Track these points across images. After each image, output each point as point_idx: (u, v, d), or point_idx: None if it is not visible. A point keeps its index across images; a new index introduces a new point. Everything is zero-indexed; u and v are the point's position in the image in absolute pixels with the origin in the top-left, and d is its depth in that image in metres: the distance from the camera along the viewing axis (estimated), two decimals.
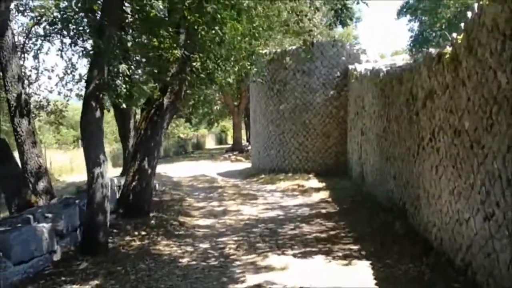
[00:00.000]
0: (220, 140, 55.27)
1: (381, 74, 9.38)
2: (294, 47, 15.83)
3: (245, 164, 23.40)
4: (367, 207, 9.08)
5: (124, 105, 6.86)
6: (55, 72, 9.55)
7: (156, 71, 8.00)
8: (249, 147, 33.91)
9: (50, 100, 14.52)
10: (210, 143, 50.48)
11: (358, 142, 12.18)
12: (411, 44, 35.20)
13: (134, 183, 8.49)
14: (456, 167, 5.07)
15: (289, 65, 15.53)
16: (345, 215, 8.74)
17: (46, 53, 8.63)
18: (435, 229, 5.82)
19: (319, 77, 15.16)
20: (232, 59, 11.63)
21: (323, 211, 9.43)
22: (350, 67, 14.49)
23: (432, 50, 6.13)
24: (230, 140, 55.13)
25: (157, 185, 12.77)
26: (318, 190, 11.90)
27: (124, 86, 6.68)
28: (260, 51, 12.43)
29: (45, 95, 14.78)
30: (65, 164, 21.40)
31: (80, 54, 7.55)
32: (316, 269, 5.70)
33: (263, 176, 15.78)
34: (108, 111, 6.90)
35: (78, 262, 6.16)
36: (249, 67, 11.91)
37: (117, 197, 8.78)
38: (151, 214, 8.81)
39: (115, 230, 7.83)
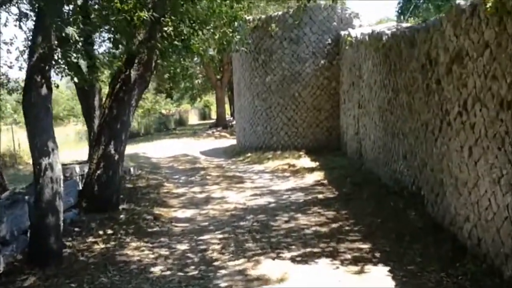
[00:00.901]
0: (204, 116, 53.85)
1: (384, 37, 8.11)
2: (280, 13, 14.40)
3: (230, 141, 22.16)
4: (370, 190, 7.94)
5: (75, 80, 5.50)
6: (15, 45, 7.98)
7: (118, 37, 6.64)
8: (234, 123, 32.68)
9: (10, 77, 12.95)
10: (193, 118, 49.01)
11: (355, 115, 10.98)
12: (399, 11, 33.94)
13: (98, 172, 7.18)
14: (504, 149, 3.89)
15: (275, 32, 14.12)
16: (346, 202, 7.59)
17: (5, 25, 7.26)
18: (469, 225, 4.67)
19: (309, 45, 13.82)
20: (211, 25, 10.26)
21: (320, 196, 8.27)
22: (343, 33, 13.16)
23: (461, 2, 4.86)
24: (214, 115, 53.70)
25: (131, 169, 11.49)
26: (311, 170, 10.72)
27: (74, 55, 5.30)
28: (244, 16, 11.01)
29: (5, 71, 13.22)
30: None
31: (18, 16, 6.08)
32: (322, 281, 4.53)
33: (249, 154, 14.55)
34: (57, 87, 5.56)
35: (24, 276, 4.91)
36: (231, 35, 10.51)
37: (80, 188, 7.48)
38: (120, 207, 7.56)
39: (76, 229, 6.57)
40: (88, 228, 6.57)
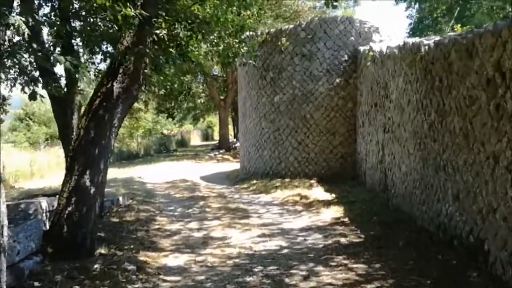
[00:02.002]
0: (206, 136, 52.73)
1: (422, 48, 6.73)
2: (291, 26, 13.11)
3: (233, 165, 20.72)
4: (406, 236, 6.44)
5: (27, 90, 4.12)
6: None
7: (96, 40, 5.30)
8: (237, 144, 31.31)
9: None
10: (195, 139, 47.79)
11: (378, 141, 9.53)
12: (410, 32, 32.83)
13: (69, 208, 5.72)
14: None
15: (286, 47, 12.82)
16: (378, 250, 6.07)
17: None
18: None
19: (322, 61, 12.48)
20: (215, 34, 8.95)
21: (343, 240, 6.75)
22: (362, 48, 11.83)
23: None
24: (216, 136, 52.53)
25: (120, 198, 10.02)
26: (327, 204, 9.22)
27: (27, 57, 3.90)
28: (253, 25, 9.70)
29: None
30: (25, 167, 18.42)
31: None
32: None
33: (254, 181, 13.08)
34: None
35: None
36: (237, 46, 9.18)
37: (46, 228, 6.00)
38: (97, 251, 6.07)
39: (36, 284, 5.09)
40: (50, 283, 5.08)
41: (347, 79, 12.39)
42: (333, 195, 9.97)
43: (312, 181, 12.06)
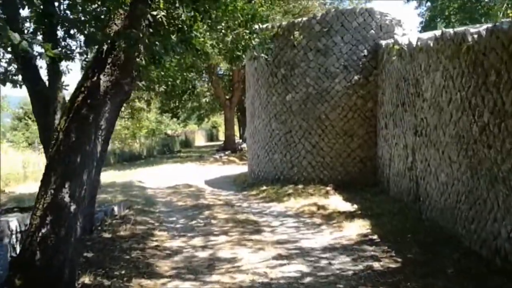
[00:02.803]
0: (211, 137, 51.82)
1: (469, 37, 5.62)
2: (305, 19, 12.01)
3: (239, 167, 19.69)
4: (454, 261, 5.33)
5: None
6: None
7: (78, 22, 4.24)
8: (243, 145, 30.22)
9: None
10: (200, 140, 46.86)
11: (407, 145, 8.40)
12: (422, 31, 31.65)
13: (44, 230, 4.62)
14: None
15: (299, 42, 11.72)
16: (423, 280, 4.96)
17: None
18: None
19: (339, 57, 11.36)
20: (223, 24, 7.90)
21: (377, 265, 5.63)
22: (384, 42, 10.72)
23: None
24: (221, 137, 51.59)
25: (115, 208, 8.96)
26: (350, 216, 8.10)
27: None
28: (265, 13, 8.61)
29: None
30: (18, 170, 17.42)
31: None
32: None
33: (264, 188, 11.99)
34: None
35: None
36: (248, 37, 8.10)
37: (16, 253, 4.93)
38: (79, 282, 4.99)
39: None
40: None
41: (367, 76, 11.27)
42: (355, 206, 8.85)
43: (328, 188, 10.97)
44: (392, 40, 9.75)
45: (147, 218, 8.86)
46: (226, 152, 26.05)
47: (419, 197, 7.66)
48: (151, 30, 4.71)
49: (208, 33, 7.52)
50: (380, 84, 10.82)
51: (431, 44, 7.08)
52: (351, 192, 10.41)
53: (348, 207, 8.94)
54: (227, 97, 27.12)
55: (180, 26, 4.81)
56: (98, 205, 9.63)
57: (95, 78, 4.91)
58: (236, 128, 34.94)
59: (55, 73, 6.01)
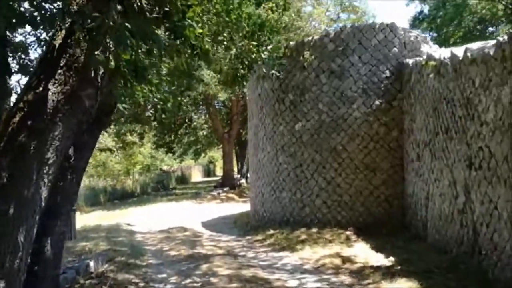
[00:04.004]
0: (208, 172, 50.10)
1: None
2: (316, 37, 10.57)
3: (239, 206, 17.95)
4: None
5: None
6: None
7: None
8: (242, 181, 28.47)
9: None
10: (196, 175, 45.08)
11: (455, 181, 6.73)
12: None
13: None
14: None
15: (310, 62, 10.25)
16: None
17: None
18: None
19: (357, 79, 9.86)
20: (225, 34, 6.40)
21: None
22: (410, 61, 9.25)
23: None
24: (218, 172, 49.93)
25: (91, 263, 7.18)
26: (388, 273, 6.34)
27: None
28: (276, 22, 7.12)
29: None
30: None
31: None
32: None
33: (271, 232, 10.24)
34: None
35: None
36: (255, 49, 6.57)
37: None
38: None
39: None
40: None
41: (390, 100, 9.73)
42: (391, 258, 7.09)
43: (348, 233, 9.25)
44: (425, 57, 8.25)
45: (131, 276, 7.07)
46: (225, 189, 24.30)
47: (479, 249, 5.94)
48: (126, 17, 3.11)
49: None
50: (407, 109, 9.26)
51: (491, 53, 5.54)
52: (377, 238, 8.68)
53: (381, 259, 7.19)
54: (225, 130, 25.58)
55: (168, 10, 3.23)
56: (72, 258, 7.90)
57: (41, 88, 3.30)
58: (234, 162, 33.27)
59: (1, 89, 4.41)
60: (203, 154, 41.34)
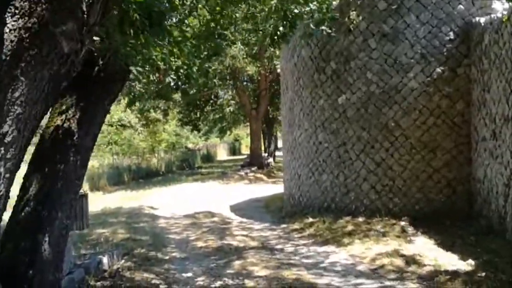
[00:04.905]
0: (234, 151, 49.09)
1: None
2: None
3: (269, 187, 16.78)
4: None
5: None
6: None
7: None
8: (270, 160, 27.22)
9: None
10: (222, 153, 44.12)
11: None
12: None
13: None
14: None
15: (356, 24, 8.77)
16: None
17: None
18: None
19: (414, 43, 8.35)
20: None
21: None
22: (482, 19, 7.69)
23: None
24: (244, 150, 48.89)
25: (105, 260, 6.09)
26: (471, 282, 5.00)
27: None
28: None
29: None
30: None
31: None
32: None
33: (310, 220, 8.99)
34: None
35: None
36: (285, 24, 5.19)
37: None
38: None
39: None
40: None
41: (454, 67, 8.21)
42: (469, 260, 5.72)
43: (403, 223, 7.93)
44: (496, 15, 6.70)
45: (150, 275, 5.94)
46: (252, 168, 23.07)
47: None
48: None
49: None
50: (477, 77, 7.75)
51: None
52: (439, 231, 7.33)
53: (455, 260, 5.83)
54: (253, 106, 24.20)
55: None
56: (85, 251, 6.85)
57: None
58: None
59: None
60: (228, 132, 40.24)
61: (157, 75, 4.56)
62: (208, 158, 37.00)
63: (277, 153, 33.48)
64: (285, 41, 5.83)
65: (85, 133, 4.55)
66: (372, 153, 8.69)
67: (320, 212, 9.34)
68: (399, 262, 6.01)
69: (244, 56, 18.62)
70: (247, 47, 18.83)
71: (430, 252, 6.28)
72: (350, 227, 8.02)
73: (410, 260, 5.99)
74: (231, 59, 17.89)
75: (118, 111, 24.06)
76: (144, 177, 24.08)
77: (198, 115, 27.81)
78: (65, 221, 4.52)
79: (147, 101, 20.07)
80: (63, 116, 4.49)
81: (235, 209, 12.11)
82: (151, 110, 21.72)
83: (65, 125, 4.46)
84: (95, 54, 4.52)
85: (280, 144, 40.65)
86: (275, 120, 31.25)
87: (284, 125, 11.72)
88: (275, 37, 5.92)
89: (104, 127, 22.53)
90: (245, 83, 25.37)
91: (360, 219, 8.44)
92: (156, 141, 27.56)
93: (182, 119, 28.13)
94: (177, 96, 22.40)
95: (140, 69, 4.26)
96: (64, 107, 4.53)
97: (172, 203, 13.39)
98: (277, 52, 15.48)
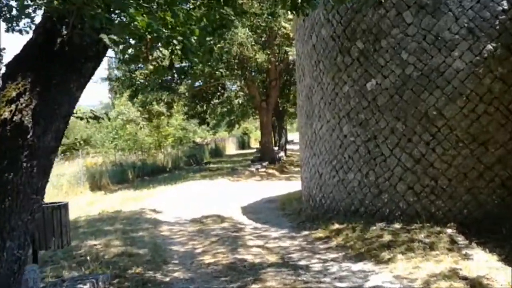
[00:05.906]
0: (243, 144, 47.94)
1: None
2: None
3: (283, 184, 15.54)
4: None
5: None
6: None
7: None
8: (281, 154, 25.92)
9: None
10: (231, 148, 43.00)
11: None
12: None
13: None
14: None
15: None
16: None
17: None
18: None
19: (459, 15, 6.97)
20: None
21: None
22: None
23: None
24: (253, 144, 47.72)
25: (98, 284, 4.82)
26: None
27: None
28: None
29: None
30: None
31: None
32: None
33: (336, 226, 7.71)
34: None
35: None
36: None
37: None
38: None
39: None
40: None
41: (509, 44, 6.82)
42: None
43: (449, 231, 6.62)
44: None
45: None
46: (264, 163, 21.84)
47: None
48: None
49: None
50: None
51: None
52: (497, 241, 6.01)
53: None
54: (263, 97, 22.86)
55: None
56: (67, 273, 5.63)
57: None
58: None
59: None
60: (237, 126, 38.97)
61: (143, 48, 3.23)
62: (217, 152, 35.85)
63: (288, 146, 32.21)
64: (312, 7, 4.48)
65: (43, 130, 3.28)
66: (409, 147, 7.34)
67: (346, 216, 8.06)
68: (460, 286, 4.70)
69: (253, 43, 17.29)
70: (255, 34, 17.53)
71: (497, 272, 4.96)
72: (387, 237, 6.70)
73: (476, 285, 4.67)
74: (238, 46, 16.57)
75: (120, 105, 22.85)
76: (149, 174, 22.92)
77: (204, 108, 26.54)
78: (17, 252, 3.27)
79: (150, 93, 18.86)
80: (13, 106, 3.23)
81: (247, 211, 10.83)
82: (154, 103, 20.43)
83: (15, 118, 3.20)
84: (55, 20, 3.26)
85: (289, 137, 39.40)
86: (286, 112, 29.90)
87: (300, 117, 10.40)
88: (297, 4, 4.56)
89: (107, 122, 21.29)
90: (253, 73, 24.03)
91: (396, 225, 7.16)
92: (163, 136, 26.36)
93: (188, 112, 26.84)
94: (182, 88, 21.16)
95: (114, 37, 2.96)
96: (14, 94, 3.26)
97: (177, 204, 12.16)
98: (291, 35, 14.16)
